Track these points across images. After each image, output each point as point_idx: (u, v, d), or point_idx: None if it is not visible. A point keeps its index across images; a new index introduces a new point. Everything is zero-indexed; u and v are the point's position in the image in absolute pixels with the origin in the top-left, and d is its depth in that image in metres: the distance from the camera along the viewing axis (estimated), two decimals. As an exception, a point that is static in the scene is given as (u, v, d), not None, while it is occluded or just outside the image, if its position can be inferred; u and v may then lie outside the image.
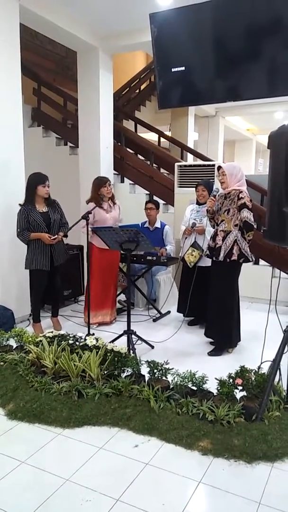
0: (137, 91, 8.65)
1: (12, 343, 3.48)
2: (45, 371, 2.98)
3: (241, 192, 3.47)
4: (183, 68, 3.55)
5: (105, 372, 2.91)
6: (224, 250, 3.48)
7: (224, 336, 3.68)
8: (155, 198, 6.17)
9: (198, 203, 4.30)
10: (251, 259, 3.55)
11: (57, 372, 2.95)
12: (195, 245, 4.17)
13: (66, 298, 5.01)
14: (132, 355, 3.11)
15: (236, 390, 2.59)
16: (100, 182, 4.23)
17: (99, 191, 4.21)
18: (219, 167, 3.59)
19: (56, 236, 3.90)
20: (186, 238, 4.28)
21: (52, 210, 3.99)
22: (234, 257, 3.44)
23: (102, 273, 4.32)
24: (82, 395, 2.73)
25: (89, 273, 4.09)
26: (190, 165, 5.46)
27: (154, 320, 4.60)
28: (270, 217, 2.44)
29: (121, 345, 3.10)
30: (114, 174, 6.26)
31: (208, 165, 5.22)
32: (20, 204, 3.93)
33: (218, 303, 3.63)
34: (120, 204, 4.53)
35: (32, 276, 4.04)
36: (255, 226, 3.52)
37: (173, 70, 3.61)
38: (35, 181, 3.88)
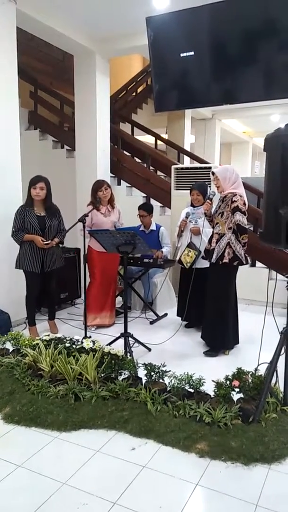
0: (134, 94, 8.67)
1: (9, 346, 3.47)
2: (41, 375, 2.97)
3: (235, 195, 3.48)
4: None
5: (102, 375, 2.91)
6: (216, 252, 3.50)
7: (217, 338, 3.69)
8: (151, 200, 6.20)
9: (192, 205, 4.32)
10: (245, 262, 3.54)
11: (54, 375, 2.94)
12: (191, 246, 4.17)
13: (62, 301, 5.00)
14: (129, 357, 3.11)
15: (233, 392, 2.59)
16: (97, 186, 4.26)
17: (97, 195, 4.23)
18: (213, 173, 3.61)
19: (49, 241, 3.89)
20: (182, 232, 4.25)
21: (50, 216, 3.97)
22: (226, 260, 3.45)
23: (102, 276, 4.32)
24: (79, 398, 2.72)
25: (88, 276, 4.09)
26: (187, 168, 5.49)
27: (151, 323, 4.60)
28: (266, 219, 2.45)
29: (118, 347, 3.10)
30: (111, 176, 6.27)
31: (205, 168, 5.24)
32: (20, 205, 3.96)
33: (213, 305, 3.64)
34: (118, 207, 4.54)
35: (25, 277, 4.05)
36: (251, 229, 3.53)
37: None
38: (29, 183, 3.90)
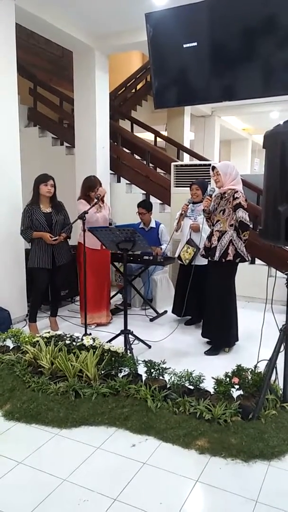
0: (133, 90, 8.65)
1: (9, 343, 3.47)
2: (42, 372, 2.98)
3: (237, 192, 3.48)
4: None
5: (102, 372, 2.92)
6: (219, 250, 3.48)
7: (220, 336, 3.69)
8: (151, 197, 6.19)
9: (193, 202, 4.32)
10: (247, 259, 3.55)
11: (54, 373, 2.94)
12: (190, 242, 4.17)
13: (63, 298, 5.00)
14: (129, 354, 3.11)
15: (232, 389, 2.60)
16: (91, 185, 4.22)
17: (89, 193, 4.22)
18: (213, 167, 3.61)
19: (57, 237, 3.93)
20: (182, 216, 4.24)
21: (56, 211, 4.04)
22: (230, 257, 3.44)
23: (95, 274, 4.31)
24: (79, 395, 2.73)
25: (80, 274, 4.08)
26: (187, 165, 5.48)
27: (151, 320, 4.60)
28: (266, 216, 2.45)
29: (118, 345, 3.10)
30: (111, 173, 6.26)
31: (204, 165, 5.23)
32: (27, 204, 3.99)
33: (215, 303, 3.64)
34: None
35: (34, 275, 4.08)
36: (251, 226, 3.53)
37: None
38: (39, 180, 3.97)
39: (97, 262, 4.28)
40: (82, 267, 4.04)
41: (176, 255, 4.38)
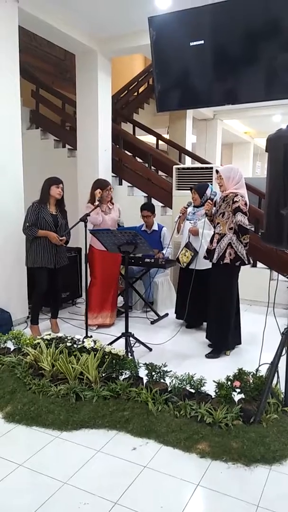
0: (136, 94, 8.68)
1: (10, 345, 3.47)
2: (42, 374, 2.97)
3: (237, 195, 3.48)
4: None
5: (103, 374, 2.91)
6: (217, 252, 3.50)
7: (220, 338, 3.68)
8: (153, 200, 6.19)
9: (194, 205, 4.32)
10: (247, 262, 3.54)
11: (55, 375, 2.94)
12: (188, 246, 4.17)
13: (64, 301, 5.00)
14: (130, 357, 3.11)
15: (234, 393, 2.59)
16: (101, 187, 4.23)
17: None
18: (217, 171, 3.61)
19: (63, 237, 3.96)
20: (181, 217, 4.24)
21: (61, 215, 4.08)
22: (227, 260, 3.44)
23: (103, 275, 4.32)
24: (80, 397, 2.72)
25: (89, 275, 4.10)
26: (188, 168, 5.49)
27: (152, 323, 4.60)
28: (268, 219, 2.45)
29: (119, 347, 3.10)
30: (112, 176, 6.27)
31: (206, 168, 5.24)
32: (33, 202, 3.99)
33: (216, 305, 3.64)
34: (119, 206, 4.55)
35: (35, 275, 4.08)
36: (252, 229, 3.53)
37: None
38: (51, 181, 4.00)
39: (107, 264, 4.29)
40: (90, 268, 4.06)
41: (177, 256, 4.37)
